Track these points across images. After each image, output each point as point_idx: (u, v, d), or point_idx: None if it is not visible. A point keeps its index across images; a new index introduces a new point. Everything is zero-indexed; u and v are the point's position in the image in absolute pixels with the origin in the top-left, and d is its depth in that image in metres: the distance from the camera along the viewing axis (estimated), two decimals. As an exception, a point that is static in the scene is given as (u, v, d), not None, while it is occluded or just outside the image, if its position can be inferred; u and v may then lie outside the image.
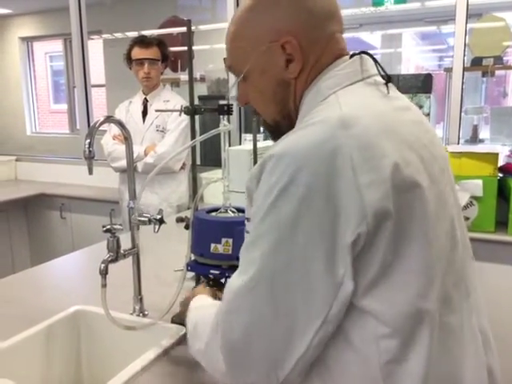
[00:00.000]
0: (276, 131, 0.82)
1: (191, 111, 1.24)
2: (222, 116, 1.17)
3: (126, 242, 1.18)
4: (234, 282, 0.66)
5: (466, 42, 2.51)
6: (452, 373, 0.68)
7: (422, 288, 0.64)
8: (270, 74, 0.76)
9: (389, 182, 0.61)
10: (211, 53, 4.21)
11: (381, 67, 0.75)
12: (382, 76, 0.74)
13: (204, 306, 0.86)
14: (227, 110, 1.17)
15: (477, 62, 2.82)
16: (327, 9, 0.75)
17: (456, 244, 0.72)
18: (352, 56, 0.76)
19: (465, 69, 2.54)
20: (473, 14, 2.76)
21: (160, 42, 2.61)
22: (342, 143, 0.61)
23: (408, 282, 0.63)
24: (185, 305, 0.97)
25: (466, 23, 2.45)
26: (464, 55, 2.52)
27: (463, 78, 2.52)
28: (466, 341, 0.71)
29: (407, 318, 0.63)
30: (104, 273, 1.04)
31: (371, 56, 0.76)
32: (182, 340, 1.09)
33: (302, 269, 0.61)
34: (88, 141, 1.04)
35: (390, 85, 0.74)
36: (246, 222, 0.77)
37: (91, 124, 1.09)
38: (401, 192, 0.62)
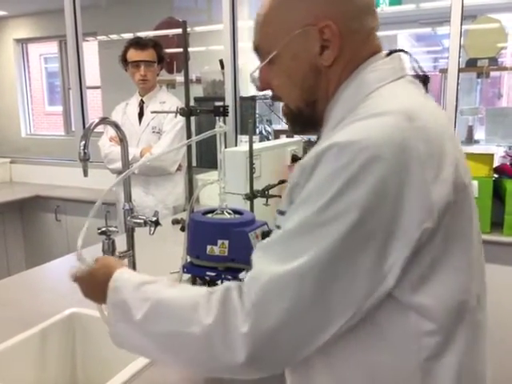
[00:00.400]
0: (296, 119, 0.80)
1: (187, 112, 1.24)
2: (217, 117, 1.17)
3: (121, 244, 1.18)
4: (272, 269, 0.64)
5: (461, 43, 2.52)
6: (479, 369, 0.71)
7: (465, 285, 0.66)
8: (302, 58, 0.74)
9: (450, 180, 0.63)
10: (207, 54, 4.21)
11: (419, 66, 0.76)
12: (418, 75, 0.75)
13: (156, 283, 0.77)
14: (223, 112, 1.17)
15: (472, 64, 2.83)
16: (366, 2, 0.74)
17: (481, 242, 0.75)
18: (389, 53, 0.76)
19: (460, 70, 2.55)
20: (468, 16, 2.77)
21: (156, 44, 2.60)
22: (409, 135, 0.62)
23: (454, 279, 0.65)
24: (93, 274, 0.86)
25: (461, 25, 2.46)
26: (459, 56, 2.52)
27: (458, 79, 2.53)
28: (487, 338, 0.73)
29: (451, 314, 0.65)
30: (99, 275, 1.04)
31: (410, 55, 0.77)
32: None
33: (352, 259, 0.61)
34: (83, 143, 1.04)
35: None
36: (277, 215, 0.74)
37: (86, 126, 1.08)
38: (457, 191, 0.64)
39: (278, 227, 0.70)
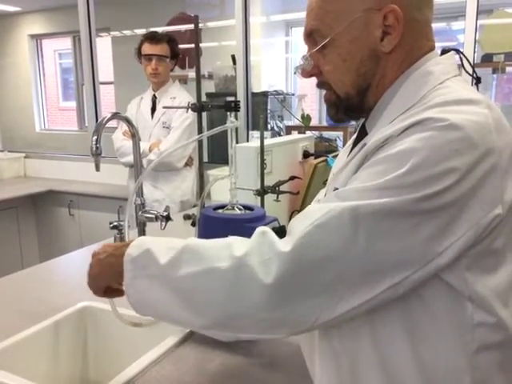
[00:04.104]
0: (342, 105, 0.78)
1: (198, 108, 1.24)
2: (229, 113, 1.16)
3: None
4: (333, 202, 0.64)
5: (477, 38, 2.48)
6: None
7: None
8: (362, 43, 0.73)
9: None
10: (219, 50, 4.21)
11: (472, 67, 0.76)
12: (471, 75, 0.77)
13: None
14: (234, 107, 1.16)
15: (487, 59, 2.79)
16: None
17: None
18: (443, 51, 0.76)
19: (475, 65, 2.51)
20: (483, 10, 2.73)
21: (170, 39, 2.62)
22: (495, 124, 0.64)
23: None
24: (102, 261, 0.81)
25: (477, 19, 2.42)
26: (474, 52, 2.49)
27: (473, 74, 2.49)
28: None
29: (507, 305, 0.65)
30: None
31: (464, 55, 0.78)
32: (189, 337, 1.09)
33: (415, 223, 0.60)
34: (95, 137, 1.04)
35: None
36: (332, 192, 0.72)
37: (98, 121, 1.09)
38: None
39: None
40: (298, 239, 0.63)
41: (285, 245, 0.64)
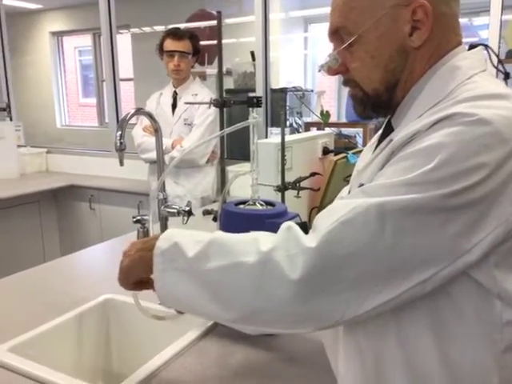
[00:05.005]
0: (370, 102, 0.78)
1: (220, 104, 1.24)
2: (251, 108, 1.17)
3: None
4: (358, 198, 0.64)
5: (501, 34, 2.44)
6: None
7: None
8: (391, 38, 0.72)
9: None
10: (237, 46, 4.21)
11: (500, 62, 0.75)
12: (500, 70, 0.76)
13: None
14: (256, 103, 1.16)
15: (511, 55, 2.73)
16: None
17: None
18: (471, 46, 0.75)
19: (499, 62, 2.47)
20: (508, 6, 2.68)
21: (192, 35, 2.62)
22: None
23: None
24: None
25: (502, 15, 2.38)
26: (499, 47, 2.44)
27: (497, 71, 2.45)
28: None
29: None
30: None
31: (493, 50, 0.77)
32: (210, 331, 1.10)
33: (443, 220, 0.59)
34: (119, 133, 1.06)
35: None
36: (357, 188, 0.72)
37: (120, 117, 1.10)
38: None
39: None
40: (324, 235, 0.63)
41: (311, 240, 0.63)
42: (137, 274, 0.83)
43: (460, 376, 0.65)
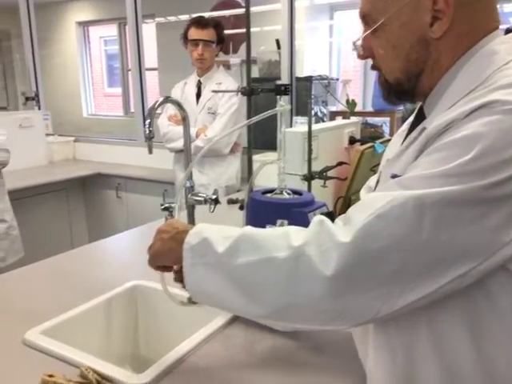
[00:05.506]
0: (393, 90, 0.78)
1: (248, 92, 1.24)
2: (278, 96, 1.16)
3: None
4: (394, 190, 0.63)
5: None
6: None
7: None
8: (411, 28, 0.71)
9: None
10: (262, 35, 4.18)
11: None
12: None
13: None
14: (284, 90, 1.15)
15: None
16: None
17: None
18: (508, 31, 0.73)
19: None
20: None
21: (217, 24, 2.61)
22: None
23: None
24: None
25: (537, -1, 2.30)
26: (532, 34, 2.36)
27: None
28: None
29: None
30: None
31: None
32: (237, 318, 1.10)
33: (482, 212, 0.58)
34: (148, 121, 1.07)
35: None
36: (390, 178, 0.71)
37: (145, 107, 1.11)
38: None
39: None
40: (359, 230, 0.61)
41: (344, 235, 0.62)
42: (164, 262, 0.85)
43: (495, 373, 0.63)
